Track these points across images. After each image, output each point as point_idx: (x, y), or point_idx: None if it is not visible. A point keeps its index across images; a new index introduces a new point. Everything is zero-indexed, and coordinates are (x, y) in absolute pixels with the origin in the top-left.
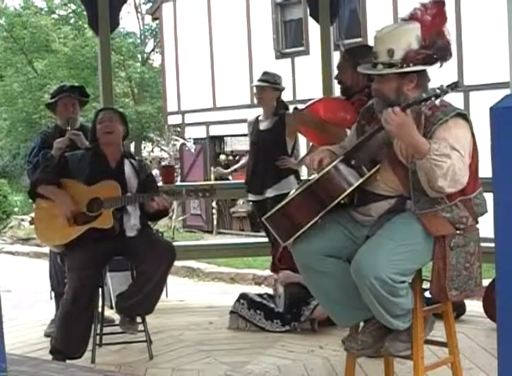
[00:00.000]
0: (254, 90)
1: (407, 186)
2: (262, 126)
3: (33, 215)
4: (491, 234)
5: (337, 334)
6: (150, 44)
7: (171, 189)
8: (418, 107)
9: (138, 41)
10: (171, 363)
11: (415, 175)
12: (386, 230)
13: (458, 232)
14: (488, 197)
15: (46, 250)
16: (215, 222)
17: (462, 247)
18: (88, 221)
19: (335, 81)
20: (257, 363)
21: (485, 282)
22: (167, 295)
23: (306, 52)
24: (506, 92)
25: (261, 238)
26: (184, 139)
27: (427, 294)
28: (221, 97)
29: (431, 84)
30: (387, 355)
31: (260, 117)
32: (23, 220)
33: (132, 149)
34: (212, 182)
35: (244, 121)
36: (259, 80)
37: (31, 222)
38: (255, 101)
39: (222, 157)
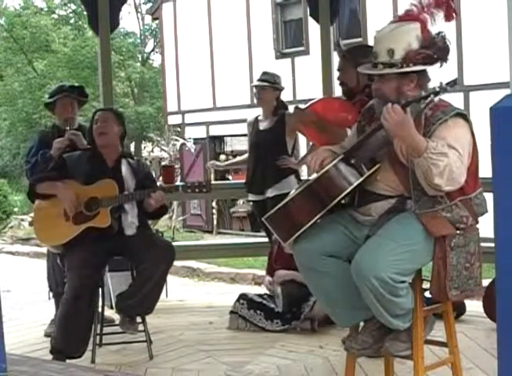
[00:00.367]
0: (254, 90)
1: (407, 185)
2: (262, 126)
3: (32, 215)
4: (491, 234)
5: (337, 334)
6: (150, 44)
7: (167, 187)
8: (419, 107)
9: (138, 41)
10: (171, 363)
11: (415, 174)
12: (386, 230)
13: (458, 232)
14: (488, 197)
15: (46, 250)
16: (215, 222)
17: (462, 247)
18: (86, 220)
19: (335, 81)
20: (257, 363)
21: (485, 282)
22: (167, 295)
23: (306, 52)
24: (506, 92)
25: (261, 238)
26: (184, 139)
27: (427, 294)
28: (221, 97)
29: (431, 84)
30: (387, 355)
31: (259, 117)
32: (23, 220)
33: (132, 149)
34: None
35: (244, 121)
36: (259, 80)
37: (31, 223)
38: (255, 101)
39: (222, 157)
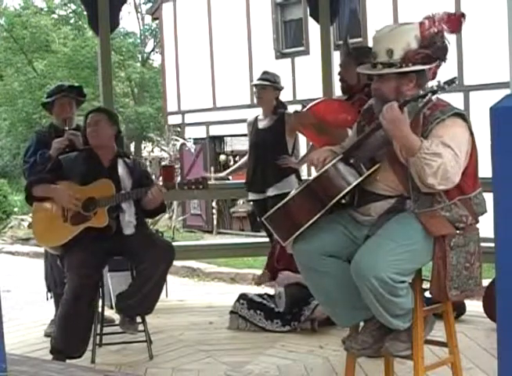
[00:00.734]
0: (254, 89)
1: (407, 185)
2: (261, 125)
3: (31, 217)
4: (491, 234)
5: (337, 334)
6: (150, 44)
7: (164, 184)
8: (417, 106)
9: (138, 41)
10: (171, 363)
11: None
12: (386, 230)
13: (458, 231)
14: (488, 197)
15: (44, 250)
16: (215, 222)
17: (462, 247)
18: (83, 221)
19: (335, 81)
20: (257, 363)
21: (485, 282)
22: (167, 295)
23: (306, 52)
24: (506, 92)
25: (261, 238)
26: (184, 139)
27: (427, 294)
28: (221, 97)
29: (430, 84)
30: (387, 355)
31: (259, 117)
32: (23, 220)
33: (132, 149)
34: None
35: (244, 121)
36: (259, 79)
37: (29, 226)
38: (255, 101)
39: (222, 157)
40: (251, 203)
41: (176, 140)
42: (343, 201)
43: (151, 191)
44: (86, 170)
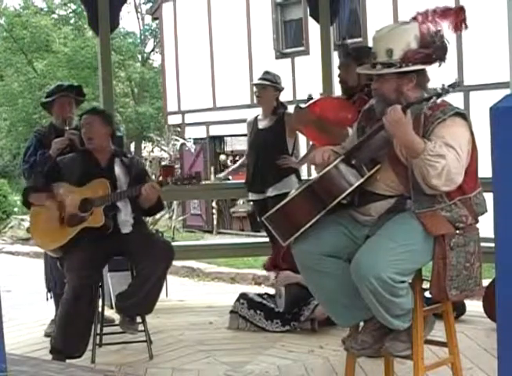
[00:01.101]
0: (255, 89)
1: (407, 185)
2: (261, 125)
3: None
4: (491, 234)
5: (337, 334)
6: (150, 44)
7: (158, 181)
8: (419, 107)
9: (138, 41)
10: (171, 363)
11: (415, 174)
12: (386, 230)
13: (458, 231)
14: (488, 197)
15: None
16: (215, 222)
17: (462, 247)
18: (80, 221)
19: (335, 81)
20: (257, 363)
21: (485, 282)
22: (167, 295)
23: (306, 52)
24: (506, 92)
25: (261, 238)
26: (184, 139)
27: (427, 294)
28: (221, 97)
29: (431, 84)
30: (387, 355)
31: (259, 117)
32: (23, 220)
33: (132, 149)
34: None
35: (244, 121)
36: (260, 79)
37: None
38: (255, 101)
39: (222, 157)
40: (251, 203)
41: (176, 140)
42: (343, 201)
43: (144, 188)
44: (83, 171)
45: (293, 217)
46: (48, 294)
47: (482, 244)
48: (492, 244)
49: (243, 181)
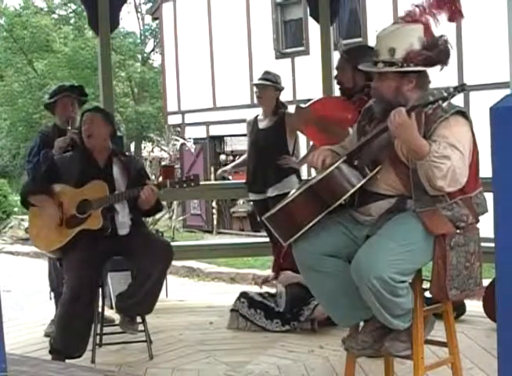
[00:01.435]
0: (255, 89)
1: (408, 185)
2: (262, 125)
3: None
4: (491, 234)
5: (337, 334)
6: (150, 44)
7: (156, 183)
8: (423, 109)
9: (138, 41)
10: (171, 363)
11: (416, 174)
12: (386, 230)
13: (458, 231)
14: (488, 197)
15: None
16: (215, 222)
17: (462, 247)
18: (78, 223)
19: (335, 81)
20: (257, 363)
21: (485, 282)
22: (167, 295)
23: (306, 52)
24: (506, 92)
25: (261, 238)
26: (184, 139)
27: (427, 294)
28: (221, 97)
29: (432, 84)
30: (387, 355)
31: (259, 117)
32: (23, 220)
33: (132, 149)
34: (212, 181)
35: (244, 121)
36: (260, 79)
37: (26, 231)
38: (255, 101)
39: (222, 157)
40: (252, 203)
41: (176, 140)
42: (343, 201)
43: (143, 191)
44: (81, 171)
45: (294, 217)
46: (52, 294)
47: (482, 244)
48: (492, 244)
49: (243, 181)
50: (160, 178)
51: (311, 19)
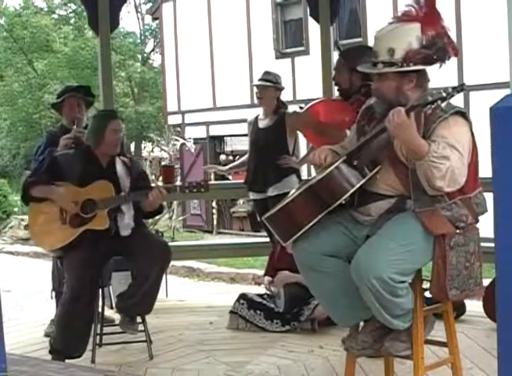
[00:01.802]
0: (255, 89)
1: (407, 185)
2: (262, 124)
3: (28, 219)
4: (491, 234)
5: (337, 334)
6: (150, 44)
7: (165, 187)
8: (422, 109)
9: (138, 41)
10: (171, 363)
11: (415, 174)
12: (386, 230)
13: (458, 231)
14: (488, 197)
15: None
16: (215, 222)
17: (462, 247)
18: (83, 223)
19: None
20: (257, 363)
21: (485, 282)
22: (167, 295)
23: (306, 52)
24: (506, 92)
25: (261, 238)
26: (184, 139)
27: (427, 294)
28: (221, 97)
29: (432, 84)
30: (387, 355)
31: (259, 117)
32: (23, 220)
33: (132, 149)
34: (212, 181)
35: (244, 121)
36: (261, 79)
37: (26, 227)
38: (255, 101)
39: (222, 157)
40: (252, 203)
41: (176, 140)
42: (343, 202)
43: (151, 194)
44: (84, 170)
45: (293, 217)
46: (53, 293)
47: (482, 244)
48: (492, 244)
49: (243, 181)
50: (161, 178)
51: (311, 19)
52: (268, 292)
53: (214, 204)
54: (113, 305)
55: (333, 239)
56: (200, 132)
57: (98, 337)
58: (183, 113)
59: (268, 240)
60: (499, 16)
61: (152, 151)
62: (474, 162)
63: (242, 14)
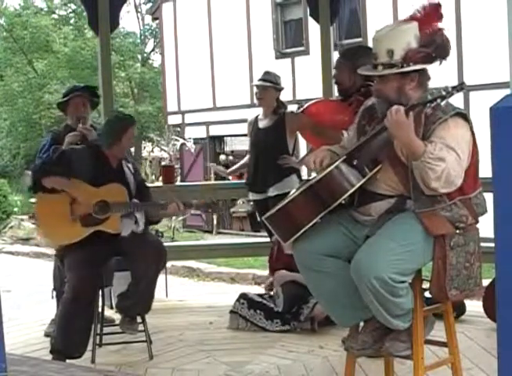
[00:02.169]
0: (255, 89)
1: (407, 185)
2: (262, 124)
3: (33, 211)
4: (491, 234)
5: (337, 334)
6: (150, 44)
7: (182, 202)
8: (422, 108)
9: (138, 41)
10: (171, 363)
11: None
12: (386, 230)
13: (458, 231)
14: (488, 197)
15: (46, 250)
16: (215, 222)
17: (462, 247)
18: (95, 223)
19: (334, 81)
20: (257, 363)
21: (485, 282)
22: (167, 295)
23: (306, 52)
24: (506, 92)
25: (261, 238)
26: (184, 139)
27: (427, 294)
28: (221, 97)
29: (432, 84)
30: (387, 355)
31: (259, 117)
32: (23, 220)
33: (132, 149)
34: (212, 181)
35: (244, 121)
36: (261, 79)
37: (31, 217)
38: (255, 101)
39: (222, 157)
40: (252, 203)
41: (176, 140)
42: (343, 201)
43: (170, 206)
44: (95, 169)
45: (294, 217)
46: (54, 292)
47: (482, 244)
48: (492, 244)
49: (244, 181)
50: (161, 178)
51: (311, 20)
52: (268, 292)
53: None
54: (113, 305)
55: (333, 239)
56: (200, 132)
57: (98, 337)
58: (183, 113)
59: (268, 240)
60: (499, 16)
61: (152, 151)
62: (474, 163)
63: (242, 14)
